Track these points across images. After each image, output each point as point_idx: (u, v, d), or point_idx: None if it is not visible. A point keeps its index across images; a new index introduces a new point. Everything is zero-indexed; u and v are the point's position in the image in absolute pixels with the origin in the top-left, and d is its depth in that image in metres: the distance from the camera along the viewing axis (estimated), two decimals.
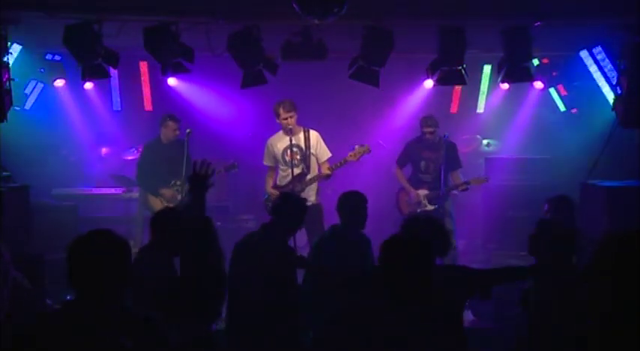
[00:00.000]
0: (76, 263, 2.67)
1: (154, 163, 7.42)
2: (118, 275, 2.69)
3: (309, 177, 6.93)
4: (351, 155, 6.92)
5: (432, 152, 7.36)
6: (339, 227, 5.13)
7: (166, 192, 7.29)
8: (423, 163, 7.41)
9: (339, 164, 6.96)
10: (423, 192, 7.31)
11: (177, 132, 7.27)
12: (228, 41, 6.29)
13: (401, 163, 7.61)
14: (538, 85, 8.34)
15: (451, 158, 7.31)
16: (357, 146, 6.97)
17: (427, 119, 7.41)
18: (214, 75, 8.29)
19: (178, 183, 7.04)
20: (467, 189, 7.31)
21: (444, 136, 7.31)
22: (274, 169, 7.14)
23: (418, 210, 7.24)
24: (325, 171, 6.87)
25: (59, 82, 8.16)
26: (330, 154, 7.07)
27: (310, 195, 6.94)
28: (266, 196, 7.12)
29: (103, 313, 2.62)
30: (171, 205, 7.28)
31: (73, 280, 2.66)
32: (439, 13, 6.17)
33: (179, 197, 7.09)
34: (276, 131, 7.16)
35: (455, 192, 7.59)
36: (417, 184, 7.43)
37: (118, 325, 2.62)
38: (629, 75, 6.31)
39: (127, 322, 2.65)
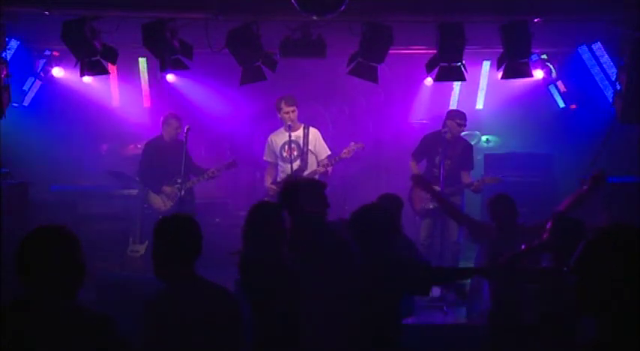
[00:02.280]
0: (25, 260, 2.61)
1: (156, 161, 7.43)
2: (69, 273, 2.63)
3: (306, 173, 6.94)
4: (344, 152, 6.93)
5: (448, 148, 7.27)
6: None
7: (167, 189, 7.30)
8: (437, 158, 7.30)
9: (333, 161, 6.98)
10: (436, 188, 7.22)
11: (180, 130, 7.29)
12: (227, 38, 6.28)
13: (417, 156, 7.49)
14: (538, 74, 8.28)
15: (465, 157, 7.26)
16: (352, 143, 6.98)
17: (460, 114, 7.31)
18: (213, 71, 8.27)
19: (179, 181, 7.04)
20: (481, 189, 7.18)
21: (444, 133, 7.29)
22: (274, 165, 7.15)
23: (431, 206, 7.16)
24: (319, 169, 6.89)
25: (58, 72, 8.13)
26: (329, 152, 7.08)
27: None
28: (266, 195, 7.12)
29: (56, 311, 2.56)
30: (171, 202, 7.28)
31: (23, 277, 2.60)
32: (438, 9, 6.16)
33: (180, 194, 7.10)
34: (275, 127, 7.17)
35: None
36: (430, 179, 7.33)
37: (72, 324, 2.55)
38: (628, 71, 6.31)
39: (81, 321, 2.58)
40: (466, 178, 7.25)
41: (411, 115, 9.21)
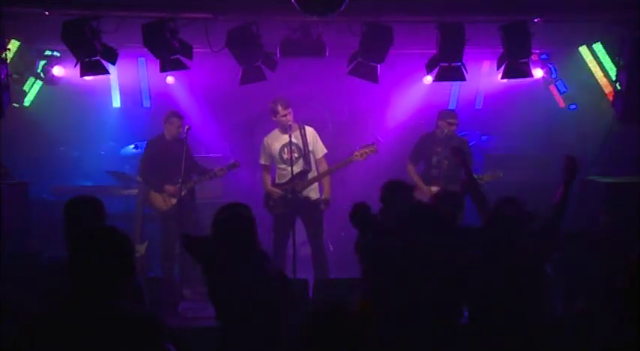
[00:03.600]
0: (79, 260, 2.64)
1: (158, 159, 7.43)
2: (121, 272, 2.67)
3: (310, 176, 6.94)
4: (357, 155, 6.90)
5: (444, 147, 7.29)
6: None
7: (170, 188, 7.31)
8: (434, 159, 7.31)
9: (343, 163, 6.96)
10: (435, 188, 7.22)
11: (181, 129, 7.29)
12: (227, 38, 6.28)
13: (413, 159, 7.51)
14: (538, 73, 8.28)
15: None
16: (363, 145, 6.95)
17: (450, 113, 7.36)
18: (213, 71, 8.27)
19: (180, 180, 7.05)
20: (482, 184, 7.20)
21: (438, 134, 7.30)
22: (269, 168, 7.15)
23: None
24: (324, 174, 6.90)
25: (58, 71, 8.14)
26: (325, 151, 7.08)
27: (310, 191, 6.96)
28: (265, 194, 7.12)
29: (106, 311, 2.60)
30: (173, 201, 7.29)
31: (77, 277, 2.64)
32: (438, 9, 6.16)
33: (182, 193, 7.11)
34: (274, 127, 7.16)
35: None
36: (428, 180, 7.34)
37: (121, 324, 2.59)
38: (628, 71, 6.31)
39: (130, 320, 2.63)
40: None
41: (411, 115, 9.21)
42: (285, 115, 6.81)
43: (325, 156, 7.09)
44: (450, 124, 7.26)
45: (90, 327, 2.55)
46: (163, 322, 2.71)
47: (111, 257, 2.64)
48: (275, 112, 6.85)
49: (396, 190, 4.94)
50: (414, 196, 5.01)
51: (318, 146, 7.05)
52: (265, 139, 7.14)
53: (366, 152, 6.90)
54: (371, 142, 6.98)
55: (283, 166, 6.99)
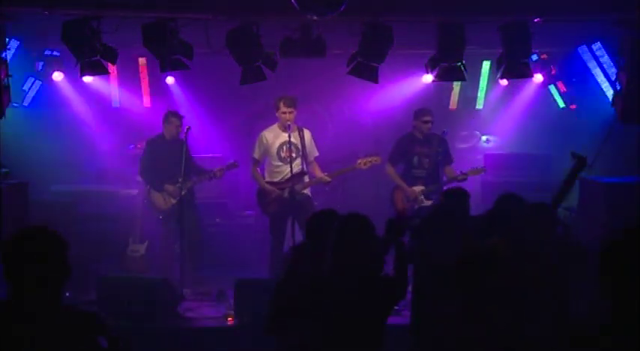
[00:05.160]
0: (13, 261, 2.59)
1: (157, 159, 7.43)
2: (56, 272, 2.62)
3: (308, 179, 6.95)
4: (360, 163, 6.91)
5: (423, 147, 7.30)
6: None
7: (169, 187, 7.31)
8: (415, 159, 7.33)
9: (345, 170, 6.97)
10: (418, 188, 7.22)
11: (181, 129, 7.29)
12: (227, 38, 6.28)
13: (393, 160, 7.50)
14: (538, 78, 8.30)
15: (444, 153, 7.30)
16: (367, 154, 6.96)
17: (424, 111, 7.38)
18: (213, 71, 8.27)
19: (180, 180, 7.04)
20: (465, 179, 7.22)
21: (444, 133, 7.30)
22: (259, 163, 7.12)
23: (415, 206, 7.18)
24: (325, 178, 6.91)
25: (58, 76, 8.14)
26: (317, 154, 7.09)
27: (304, 190, 6.98)
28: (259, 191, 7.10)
29: (44, 312, 2.56)
30: (173, 201, 7.29)
31: (11, 278, 2.59)
32: (438, 9, 6.17)
33: (182, 193, 7.10)
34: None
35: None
36: (410, 180, 7.33)
37: (60, 324, 2.56)
38: (628, 71, 6.32)
39: (70, 321, 2.60)
40: (450, 172, 7.29)
41: (411, 115, 9.21)
42: (285, 113, 6.80)
43: (316, 159, 7.09)
44: (425, 122, 7.27)
45: (30, 329, 2.52)
46: (104, 324, 2.69)
47: (45, 258, 2.59)
48: (277, 108, 6.87)
49: (459, 197, 5.01)
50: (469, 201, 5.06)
51: (311, 149, 7.06)
52: (263, 133, 7.09)
53: (370, 161, 6.92)
54: (375, 153, 6.99)
55: (278, 163, 6.97)
